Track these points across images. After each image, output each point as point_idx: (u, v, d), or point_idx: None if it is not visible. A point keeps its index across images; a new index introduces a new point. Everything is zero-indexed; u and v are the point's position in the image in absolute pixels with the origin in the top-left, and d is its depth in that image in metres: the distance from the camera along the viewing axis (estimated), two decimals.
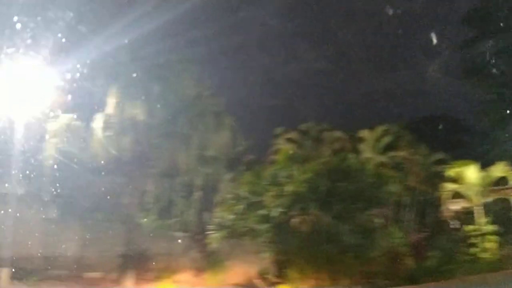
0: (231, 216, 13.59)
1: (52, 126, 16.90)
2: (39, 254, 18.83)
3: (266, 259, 15.99)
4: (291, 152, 14.41)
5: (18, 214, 17.02)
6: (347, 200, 12.63)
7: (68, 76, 16.26)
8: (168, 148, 16.24)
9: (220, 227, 13.51)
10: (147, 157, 16.73)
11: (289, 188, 12.83)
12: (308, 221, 12.26)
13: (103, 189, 18.96)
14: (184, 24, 17.97)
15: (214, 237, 13.54)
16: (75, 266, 19.83)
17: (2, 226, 16.99)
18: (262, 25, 20.42)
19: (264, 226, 12.82)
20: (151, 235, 21.79)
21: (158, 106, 16.21)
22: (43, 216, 19.54)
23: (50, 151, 16.88)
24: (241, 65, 18.12)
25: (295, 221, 12.32)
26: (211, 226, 24.01)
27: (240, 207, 13.65)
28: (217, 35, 19.06)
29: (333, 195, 12.60)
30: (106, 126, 16.25)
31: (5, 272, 16.18)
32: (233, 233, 13.64)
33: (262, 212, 13.00)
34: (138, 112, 16.02)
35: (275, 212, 12.65)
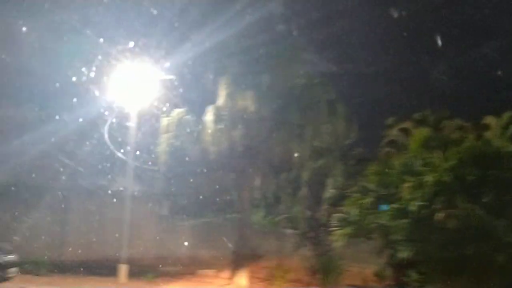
0: (357, 211, 11.90)
1: (164, 121, 16.18)
2: (153, 251, 18.33)
3: (387, 258, 14.16)
4: (426, 136, 12.34)
5: (132, 211, 16.52)
6: (500, 191, 10.47)
7: (178, 70, 15.48)
8: (280, 140, 14.85)
9: (345, 223, 11.87)
10: (258, 150, 15.48)
11: (429, 178, 10.89)
12: (455, 215, 10.26)
13: (214, 185, 18.06)
14: (292, 11, 16.54)
15: (338, 234, 11.93)
16: (188, 263, 19.16)
17: (118, 224, 16.60)
18: (373, 13, 18.41)
19: (399, 222, 10.99)
20: (261, 232, 20.64)
21: (268, 96, 14.89)
22: (156, 213, 19.04)
23: (163, 147, 16.17)
24: (349, 53, 16.28)
25: (439, 215, 10.36)
26: (325, 222, 22.58)
27: (368, 200, 11.93)
28: (326, 22, 17.44)
29: (483, 185, 10.52)
30: (217, 119, 15.17)
31: (124, 269, 15.71)
32: (360, 230, 11.94)
33: (397, 205, 11.17)
34: (248, 103, 14.79)
35: (413, 206, 10.79)
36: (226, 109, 14.71)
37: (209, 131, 14.73)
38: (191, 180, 16.97)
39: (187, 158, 15.49)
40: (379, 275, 18.12)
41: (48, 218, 17.06)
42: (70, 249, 16.69)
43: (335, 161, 16.98)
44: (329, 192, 23.26)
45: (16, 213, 16.63)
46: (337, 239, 11.57)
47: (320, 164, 20.27)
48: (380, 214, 11.13)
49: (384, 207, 11.74)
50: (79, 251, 16.54)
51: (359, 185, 12.14)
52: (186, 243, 19.13)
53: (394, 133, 21.05)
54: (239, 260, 18.39)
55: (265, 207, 23.48)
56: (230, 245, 19.05)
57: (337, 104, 15.54)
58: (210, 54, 15.08)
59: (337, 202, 22.56)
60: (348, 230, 11.54)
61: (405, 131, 20.46)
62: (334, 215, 12.40)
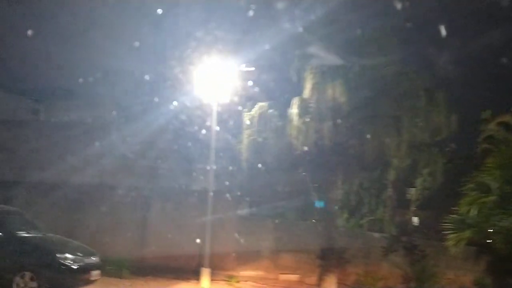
0: (475, 212, 9.83)
1: (246, 117, 14.78)
2: (234, 254, 17.04)
3: (486, 265, 11.93)
4: None
5: (213, 212, 15.26)
6: None
7: (259, 62, 14.04)
8: (372, 133, 12.97)
9: (462, 226, 9.83)
10: (347, 146, 13.68)
11: None
12: None
13: (297, 184, 16.46)
14: None
15: (454, 238, 9.91)
16: (270, 267, 17.68)
17: (199, 225, 15.43)
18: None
19: None
20: (346, 235, 18.74)
21: (358, 86, 13.08)
22: (237, 214, 17.71)
23: (244, 143, 14.77)
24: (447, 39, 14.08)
25: None
26: (418, 225, 20.25)
27: (490, 199, 9.83)
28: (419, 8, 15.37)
29: None
30: (303, 112, 13.51)
31: (206, 273, 14.48)
32: (480, 234, 9.86)
33: None
34: (337, 93, 13.03)
35: None
36: (312, 101, 13.01)
37: (294, 125, 13.10)
38: (274, 179, 15.43)
39: (269, 155, 13.95)
40: (478, 284, 15.84)
41: (129, 219, 16.18)
42: (151, 250, 15.66)
43: (433, 156, 14.84)
44: (422, 192, 21.07)
45: (98, 214, 15.89)
46: (453, 244, 9.52)
47: (416, 160, 18.20)
48: (506, 216, 9.02)
49: None
50: (160, 253, 15.47)
51: (477, 181, 10.04)
52: (267, 246, 17.64)
53: (492, 127, 18.56)
54: (325, 265, 16.66)
55: (348, 208, 21.53)
56: (312, 248, 17.39)
57: (436, 93, 13.44)
58: (293, 43, 13.51)
59: (435, 203, 20.33)
60: (466, 234, 9.49)
61: (505, 125, 17.96)
62: (450, 216, 10.33)
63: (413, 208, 21.57)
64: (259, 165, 14.15)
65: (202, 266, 14.30)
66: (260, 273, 17.07)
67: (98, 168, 16.85)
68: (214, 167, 14.42)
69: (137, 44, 14.85)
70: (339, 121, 12.61)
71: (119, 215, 15.99)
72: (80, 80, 17.57)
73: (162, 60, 14.85)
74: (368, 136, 12.69)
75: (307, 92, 13.04)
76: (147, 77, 15.16)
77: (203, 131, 14.66)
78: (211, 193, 14.59)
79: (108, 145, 16.76)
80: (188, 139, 15.07)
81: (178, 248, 15.23)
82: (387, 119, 12.72)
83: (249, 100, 13.76)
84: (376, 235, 18.70)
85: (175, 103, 14.26)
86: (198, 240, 14.71)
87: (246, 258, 16.92)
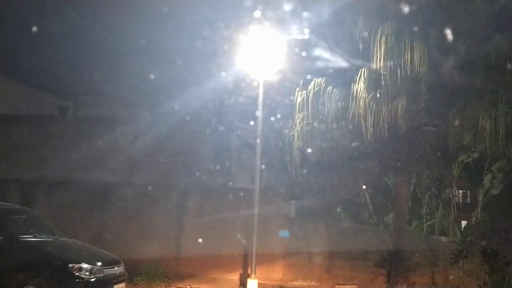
0: None
1: (299, 96, 11.66)
2: (280, 263, 13.92)
3: None
4: None
5: (257, 211, 12.17)
6: None
7: (314, 29, 10.93)
8: (464, 114, 9.64)
9: None
10: (429, 130, 10.39)
11: None
12: None
13: (360, 178, 13.23)
14: None
15: None
16: (322, 276, 14.46)
17: (242, 228, 12.42)
18: None
19: None
20: (408, 239, 15.31)
21: (443, 52, 9.78)
22: (286, 214, 14.58)
23: (297, 129, 11.65)
24: None
25: None
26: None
27: None
28: None
29: None
30: (371, 86, 10.32)
31: (254, 285, 11.39)
32: None
33: None
34: (415, 62, 9.80)
35: None
36: (384, 72, 9.81)
37: (361, 104, 9.90)
38: (331, 173, 12.23)
39: (327, 144, 10.77)
40: None
41: (162, 222, 13.25)
42: (187, 257, 12.67)
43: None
44: (490, 191, 17.57)
45: (127, 215, 13.02)
46: None
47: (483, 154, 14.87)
48: None
49: None
50: (198, 260, 12.48)
51: None
52: (319, 251, 14.44)
53: None
54: (387, 273, 13.36)
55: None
56: (370, 255, 14.13)
57: None
58: (357, 5, 10.37)
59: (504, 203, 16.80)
60: None
61: None
62: None
63: (478, 210, 17.94)
64: (314, 156, 10.86)
65: (248, 277, 11.17)
66: (312, 283, 13.87)
67: (127, 165, 14.02)
68: (260, 164, 11.23)
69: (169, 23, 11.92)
70: (419, 97, 9.26)
71: (150, 217, 13.10)
72: (107, 73, 14.75)
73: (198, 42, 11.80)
74: (458, 117, 9.25)
75: (376, 61, 9.79)
76: (179, 60, 12.20)
77: (248, 120, 11.53)
78: (257, 191, 11.47)
79: (139, 140, 13.91)
80: (229, 127, 11.99)
81: (218, 255, 12.21)
82: (483, 95, 9.30)
83: (303, 75, 10.54)
84: (444, 239, 15.19)
85: (215, 83, 11.18)
86: (242, 243, 11.57)
87: (296, 265, 13.79)
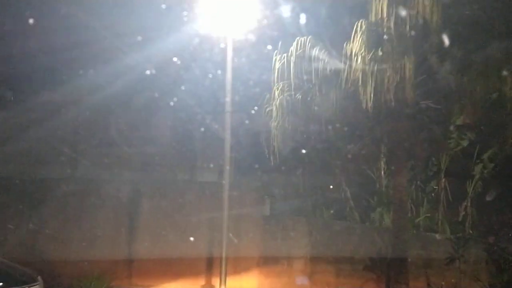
0: None
1: (277, 62, 8.93)
2: (256, 266, 11.18)
3: None
4: None
5: (227, 209, 9.38)
6: None
7: None
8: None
9: None
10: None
11: None
12: None
13: (350, 166, 10.67)
14: None
15: None
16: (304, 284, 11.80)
17: (210, 230, 9.60)
18: None
19: None
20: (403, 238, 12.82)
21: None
22: (260, 212, 11.84)
23: (277, 103, 8.94)
24: None
25: None
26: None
27: None
28: None
29: None
30: (370, 43, 7.71)
31: None
32: None
33: None
34: (426, 11, 7.28)
35: None
36: (385, 26, 7.22)
37: (356, 67, 7.26)
38: (317, 160, 9.58)
39: (312, 121, 8.09)
40: None
41: (109, 223, 10.24)
42: (141, 265, 9.73)
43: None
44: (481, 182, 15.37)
45: (62, 218, 9.95)
46: None
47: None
48: None
49: None
50: (154, 268, 9.57)
51: None
52: (299, 254, 11.80)
53: None
54: (377, 277, 10.92)
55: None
56: (362, 256, 11.67)
57: None
58: None
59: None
60: None
61: None
62: None
63: (468, 204, 15.65)
64: (296, 137, 8.16)
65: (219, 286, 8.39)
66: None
67: (65, 157, 10.95)
68: (230, 151, 8.45)
69: None
70: (430, 56, 6.71)
71: (94, 219, 10.08)
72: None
73: None
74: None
75: (375, 12, 7.19)
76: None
77: (214, 95, 8.73)
78: (227, 185, 8.72)
79: (79, 126, 10.86)
80: (191, 106, 9.17)
81: (180, 263, 9.37)
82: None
83: (283, 35, 7.83)
84: (438, 236, 12.79)
85: (169, 46, 8.30)
86: (209, 248, 8.78)
87: (273, 272, 11.08)
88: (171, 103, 9.79)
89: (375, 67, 7.16)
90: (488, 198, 15.02)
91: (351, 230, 12.27)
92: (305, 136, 8.44)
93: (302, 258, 11.52)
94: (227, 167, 8.52)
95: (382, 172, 14.54)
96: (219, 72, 7.92)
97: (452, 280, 11.66)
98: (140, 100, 9.87)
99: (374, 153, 9.32)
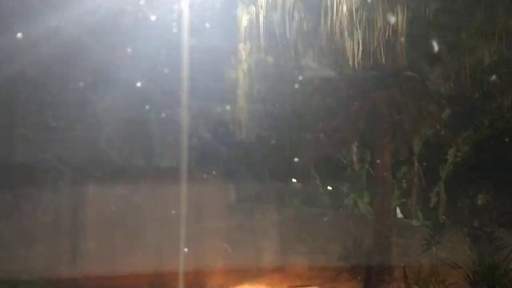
0: None
1: (244, 19, 7.29)
2: (220, 264, 9.61)
3: None
4: None
5: (185, 201, 7.72)
6: None
7: None
8: None
9: None
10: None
11: None
12: None
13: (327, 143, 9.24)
14: None
15: None
16: (275, 277, 10.38)
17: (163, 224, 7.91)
18: None
19: None
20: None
21: None
22: (224, 201, 10.23)
23: (244, 67, 7.33)
24: None
25: None
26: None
27: None
28: None
29: None
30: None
31: None
32: None
33: None
34: None
35: None
36: None
37: (342, 15, 5.76)
38: (290, 136, 8.06)
39: (286, 86, 6.52)
40: None
41: (34, 222, 8.27)
42: (81, 268, 7.89)
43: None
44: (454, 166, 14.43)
45: None
46: None
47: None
48: None
49: None
50: (98, 272, 7.77)
51: None
52: (269, 247, 10.32)
53: None
54: (352, 269, 9.64)
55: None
56: (338, 246, 10.35)
57: None
58: None
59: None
60: None
61: None
62: None
63: (441, 189, 14.60)
64: (267, 109, 6.59)
65: None
66: (261, 287, 9.70)
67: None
68: (189, 127, 6.81)
69: None
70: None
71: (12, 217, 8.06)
72: None
73: None
74: None
75: None
76: None
77: (168, 59, 7.01)
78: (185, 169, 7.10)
79: None
80: (141, 73, 7.41)
81: (128, 263, 7.60)
82: None
83: None
84: (415, 222, 11.65)
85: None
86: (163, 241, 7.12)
87: (239, 266, 9.52)
88: (118, 75, 7.98)
89: (364, 17, 5.66)
90: (463, 182, 14.04)
91: (323, 218, 10.88)
92: (277, 109, 6.85)
93: (272, 249, 10.03)
94: (184, 150, 6.83)
95: (355, 157, 13.29)
96: (174, 31, 6.19)
97: (430, 268, 10.49)
98: (80, 73, 7.99)
99: (351, 132, 7.82)
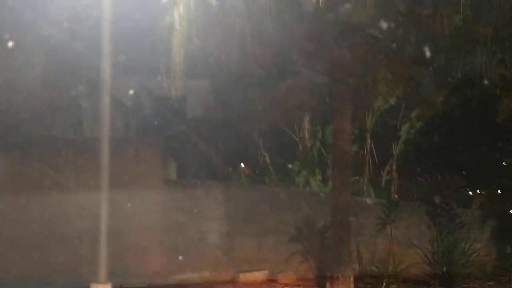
0: None
1: None
2: (156, 249, 8.21)
3: None
4: None
5: (115, 178, 6.23)
6: None
7: None
8: None
9: None
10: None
11: None
12: None
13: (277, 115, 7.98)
14: None
15: None
16: (222, 262, 9.14)
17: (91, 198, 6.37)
18: None
19: None
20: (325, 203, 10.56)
21: None
22: (162, 178, 8.75)
23: (180, 13, 5.87)
24: None
25: None
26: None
27: None
28: None
29: None
30: None
31: None
32: None
33: None
34: None
35: None
36: None
37: None
38: (239, 102, 6.72)
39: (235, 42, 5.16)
40: None
41: None
42: None
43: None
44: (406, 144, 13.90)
45: None
46: None
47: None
48: None
49: None
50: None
51: None
52: (214, 228, 9.05)
53: None
54: (306, 251, 8.68)
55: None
56: (289, 227, 9.29)
57: None
58: None
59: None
60: None
61: None
62: None
63: (393, 166, 13.98)
64: (211, 65, 5.21)
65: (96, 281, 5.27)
66: (205, 274, 8.45)
67: None
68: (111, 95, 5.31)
69: None
70: None
71: None
72: None
73: None
74: None
75: None
76: None
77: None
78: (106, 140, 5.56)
79: None
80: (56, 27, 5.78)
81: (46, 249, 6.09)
82: None
83: None
84: (369, 200, 10.81)
85: None
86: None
87: (180, 251, 8.22)
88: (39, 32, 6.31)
89: None
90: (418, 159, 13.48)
91: (273, 196, 9.71)
92: (222, 66, 5.47)
93: (217, 231, 8.74)
94: (106, 113, 5.33)
95: (306, 133, 12.24)
96: None
97: (388, 249, 9.68)
98: None
99: (304, 99, 6.63)
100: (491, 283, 9.15)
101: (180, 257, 8.22)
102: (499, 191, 10.30)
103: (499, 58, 12.37)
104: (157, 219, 8.20)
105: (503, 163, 10.65)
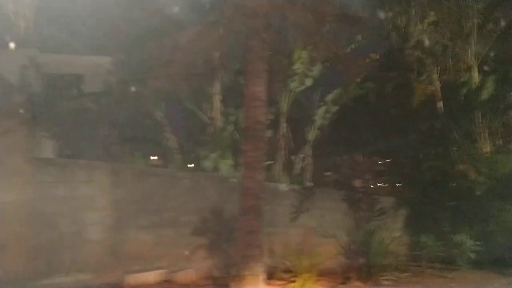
0: None
1: None
2: (21, 246, 6.05)
3: None
4: None
5: None
6: None
7: None
8: None
9: None
10: None
11: None
12: None
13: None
14: None
15: None
16: (107, 260, 7.23)
17: None
18: None
19: None
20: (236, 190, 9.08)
21: None
22: (27, 152, 6.60)
23: None
24: None
25: None
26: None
27: None
28: None
29: None
30: None
31: None
32: None
33: None
34: None
35: None
36: None
37: None
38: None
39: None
40: None
41: None
42: None
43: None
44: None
45: None
46: None
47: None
48: None
49: None
50: None
51: None
52: (96, 219, 7.13)
53: None
54: (210, 245, 7.15)
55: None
56: (190, 217, 7.68)
57: None
58: None
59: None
60: None
61: None
62: None
63: (309, 152, 12.98)
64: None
65: None
66: (82, 277, 6.49)
67: None
68: None
69: None
70: None
71: None
72: None
73: None
74: None
75: None
76: None
77: None
78: None
79: None
80: None
81: None
82: None
83: None
84: (284, 187, 9.59)
85: None
86: None
87: (47, 249, 6.15)
88: None
89: None
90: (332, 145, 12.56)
91: (176, 182, 8.02)
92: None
93: (101, 223, 6.81)
94: None
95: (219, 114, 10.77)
96: None
97: (303, 239, 8.47)
98: None
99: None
100: (407, 274, 8.29)
101: (48, 257, 6.17)
102: (415, 178, 9.53)
103: (416, 41, 11.78)
104: (18, 208, 6.06)
105: (420, 149, 9.94)
